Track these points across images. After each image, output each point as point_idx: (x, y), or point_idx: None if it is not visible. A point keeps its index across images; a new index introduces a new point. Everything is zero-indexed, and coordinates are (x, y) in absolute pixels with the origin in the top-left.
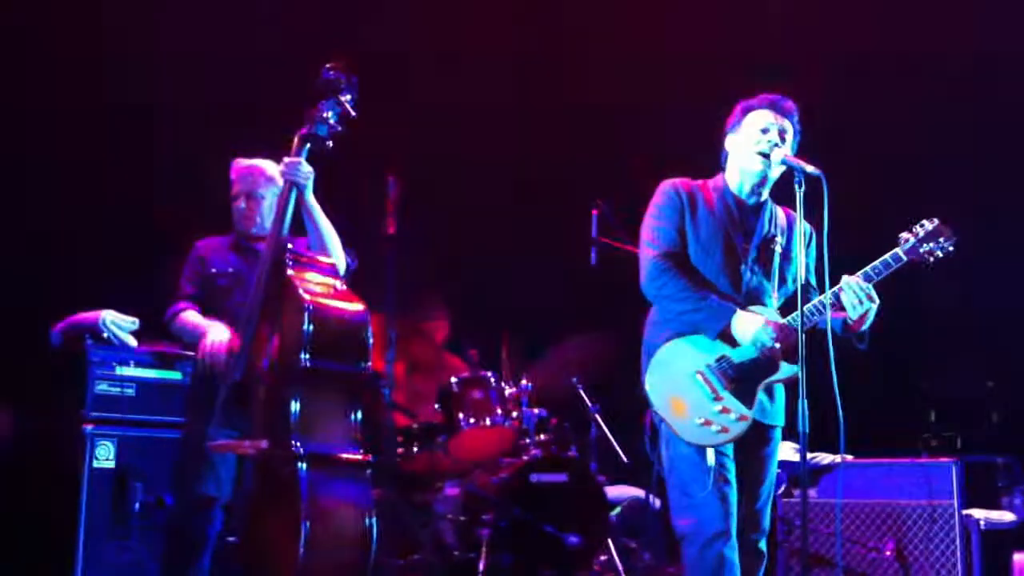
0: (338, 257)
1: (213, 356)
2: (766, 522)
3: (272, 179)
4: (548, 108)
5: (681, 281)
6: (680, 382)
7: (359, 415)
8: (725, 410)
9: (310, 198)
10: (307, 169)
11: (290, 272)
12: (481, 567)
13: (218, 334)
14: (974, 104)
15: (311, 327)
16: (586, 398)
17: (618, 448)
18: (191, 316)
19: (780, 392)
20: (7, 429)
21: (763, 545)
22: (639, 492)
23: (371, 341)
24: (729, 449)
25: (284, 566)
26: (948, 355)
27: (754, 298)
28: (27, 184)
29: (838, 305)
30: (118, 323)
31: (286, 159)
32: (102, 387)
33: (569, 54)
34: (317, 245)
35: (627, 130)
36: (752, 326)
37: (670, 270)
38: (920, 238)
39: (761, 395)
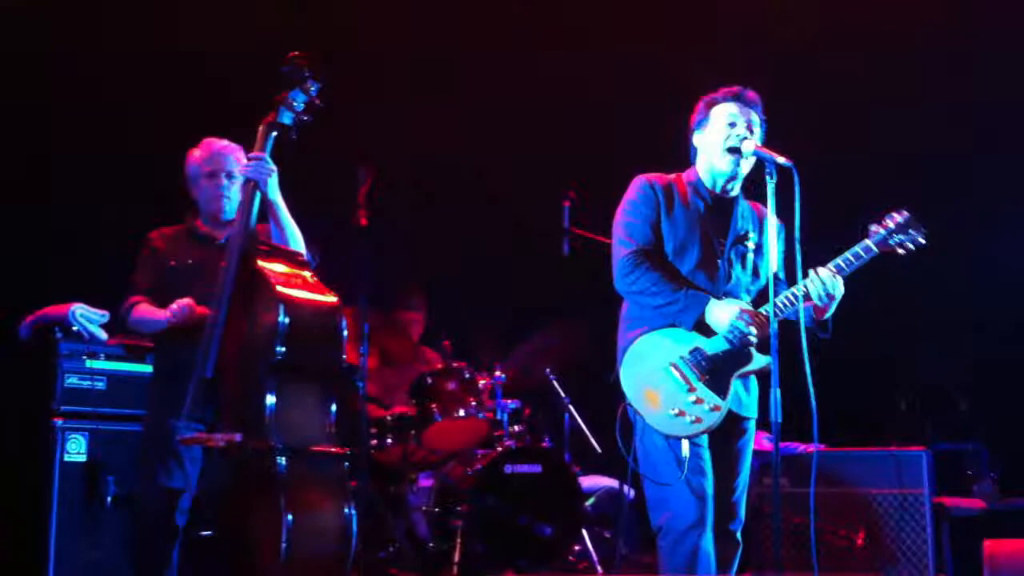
0: (301, 252)
1: (181, 310)
2: (742, 512)
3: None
4: (521, 96)
5: (654, 275)
6: (653, 375)
7: (334, 407)
8: (699, 400)
9: (275, 194)
10: (270, 165)
11: (261, 263)
12: (455, 558)
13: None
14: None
15: (286, 320)
16: (559, 389)
17: (592, 438)
18: (146, 308)
19: (754, 384)
20: None
21: (739, 535)
22: (613, 482)
23: (345, 333)
24: (704, 440)
25: (266, 560)
26: (915, 344)
27: (730, 293)
28: None
29: (808, 297)
30: (88, 316)
31: (250, 154)
32: (72, 380)
33: (541, 45)
34: (279, 239)
35: (599, 120)
36: (727, 314)
37: (642, 265)
38: (890, 229)
39: (736, 386)
